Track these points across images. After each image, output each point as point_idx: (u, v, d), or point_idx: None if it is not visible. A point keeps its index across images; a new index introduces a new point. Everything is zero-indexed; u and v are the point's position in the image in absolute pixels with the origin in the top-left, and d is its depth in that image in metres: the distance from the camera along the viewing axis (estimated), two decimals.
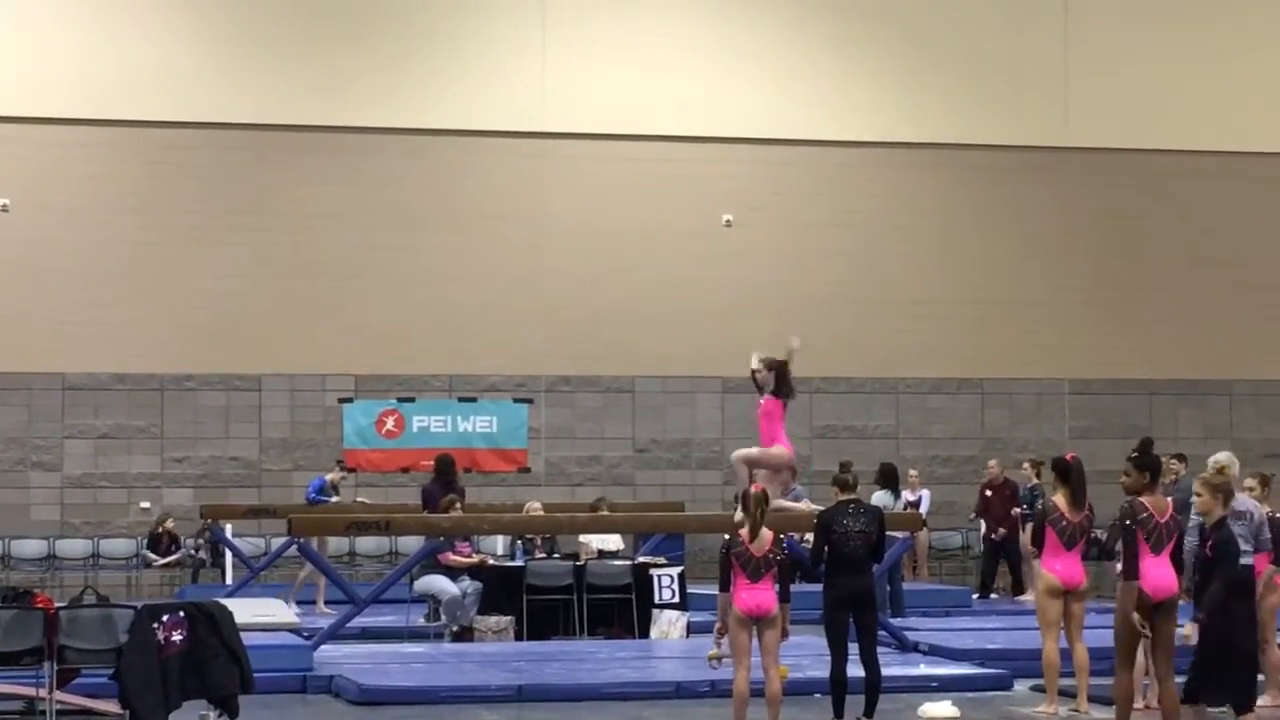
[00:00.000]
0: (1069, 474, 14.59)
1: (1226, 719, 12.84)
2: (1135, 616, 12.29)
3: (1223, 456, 15.55)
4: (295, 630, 17.94)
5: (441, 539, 20.16)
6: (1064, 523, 14.48)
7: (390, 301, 28.36)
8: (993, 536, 26.43)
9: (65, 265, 27.54)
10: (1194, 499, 11.95)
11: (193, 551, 27.30)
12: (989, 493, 26.63)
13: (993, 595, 26.34)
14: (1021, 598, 25.05)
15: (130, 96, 27.74)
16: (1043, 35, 30.24)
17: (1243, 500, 14.94)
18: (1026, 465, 26.01)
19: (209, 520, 25.32)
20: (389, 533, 24.52)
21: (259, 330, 28.05)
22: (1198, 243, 30.49)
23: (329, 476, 25.22)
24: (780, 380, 16.94)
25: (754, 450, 17.12)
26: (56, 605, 13.92)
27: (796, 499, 25.94)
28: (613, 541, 23.11)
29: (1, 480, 27.59)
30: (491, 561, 21.72)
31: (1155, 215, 30.45)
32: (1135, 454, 12.72)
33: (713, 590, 21.38)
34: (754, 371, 17.09)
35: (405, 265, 28.43)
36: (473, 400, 28.81)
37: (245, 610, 15.92)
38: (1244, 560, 14.82)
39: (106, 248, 27.69)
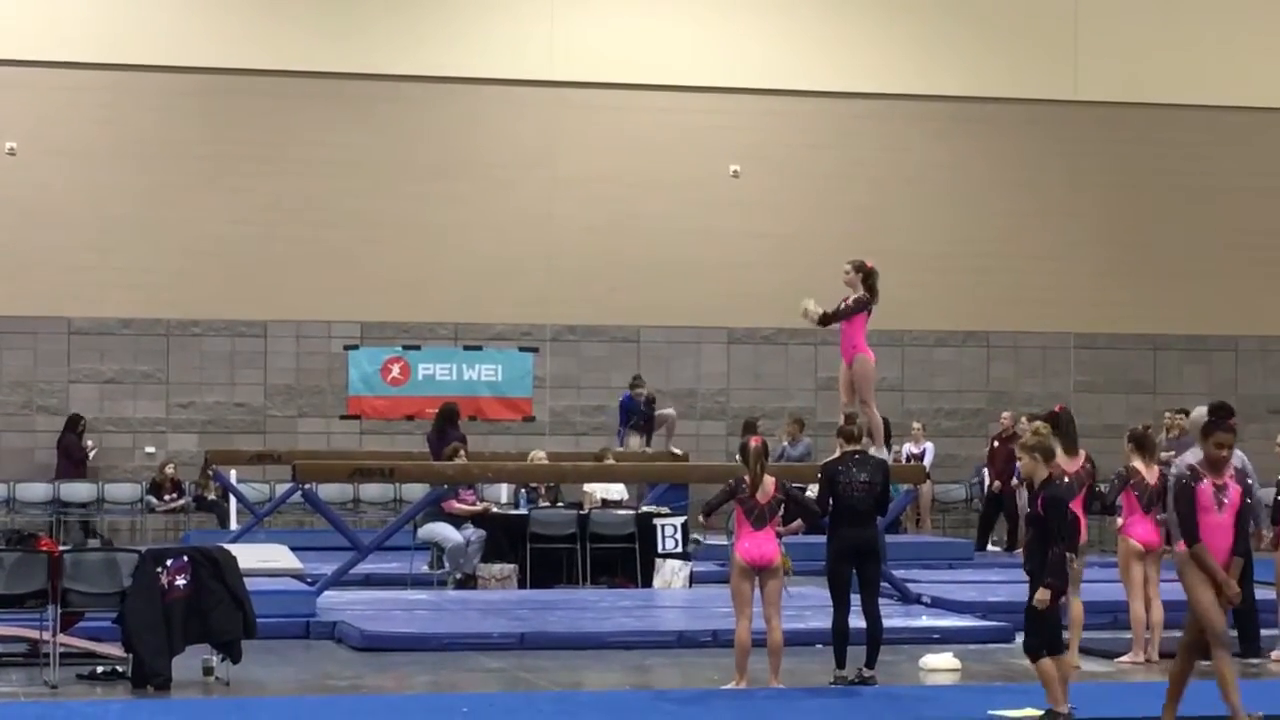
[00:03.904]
0: (1057, 424, 14.49)
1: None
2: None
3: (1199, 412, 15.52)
4: (299, 576, 17.98)
5: (446, 487, 20.20)
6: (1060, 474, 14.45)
7: (396, 249, 28.32)
8: (991, 489, 26.52)
9: (72, 209, 27.52)
10: (1017, 461, 11.63)
11: (198, 496, 27.33)
12: (996, 444, 26.66)
13: (990, 548, 26.40)
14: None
15: (138, 41, 27.66)
16: None
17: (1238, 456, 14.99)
18: (1031, 419, 25.97)
19: (213, 465, 25.31)
20: (393, 480, 24.51)
21: (265, 276, 28.02)
22: (1204, 198, 30.41)
23: None
24: (866, 285, 17.53)
25: (860, 386, 17.52)
26: (60, 549, 13.99)
27: (805, 454, 26.05)
28: (616, 491, 23.13)
29: (7, 424, 27.62)
30: (495, 510, 21.73)
31: (1162, 170, 30.36)
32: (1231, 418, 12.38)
33: (717, 542, 21.51)
34: (845, 273, 17.63)
35: (412, 213, 28.39)
36: (478, 348, 28.81)
37: (249, 555, 15.99)
38: None
39: (113, 192, 27.66)
